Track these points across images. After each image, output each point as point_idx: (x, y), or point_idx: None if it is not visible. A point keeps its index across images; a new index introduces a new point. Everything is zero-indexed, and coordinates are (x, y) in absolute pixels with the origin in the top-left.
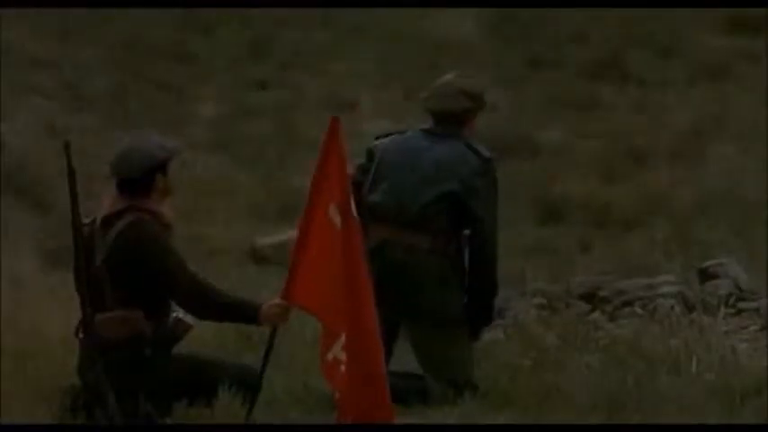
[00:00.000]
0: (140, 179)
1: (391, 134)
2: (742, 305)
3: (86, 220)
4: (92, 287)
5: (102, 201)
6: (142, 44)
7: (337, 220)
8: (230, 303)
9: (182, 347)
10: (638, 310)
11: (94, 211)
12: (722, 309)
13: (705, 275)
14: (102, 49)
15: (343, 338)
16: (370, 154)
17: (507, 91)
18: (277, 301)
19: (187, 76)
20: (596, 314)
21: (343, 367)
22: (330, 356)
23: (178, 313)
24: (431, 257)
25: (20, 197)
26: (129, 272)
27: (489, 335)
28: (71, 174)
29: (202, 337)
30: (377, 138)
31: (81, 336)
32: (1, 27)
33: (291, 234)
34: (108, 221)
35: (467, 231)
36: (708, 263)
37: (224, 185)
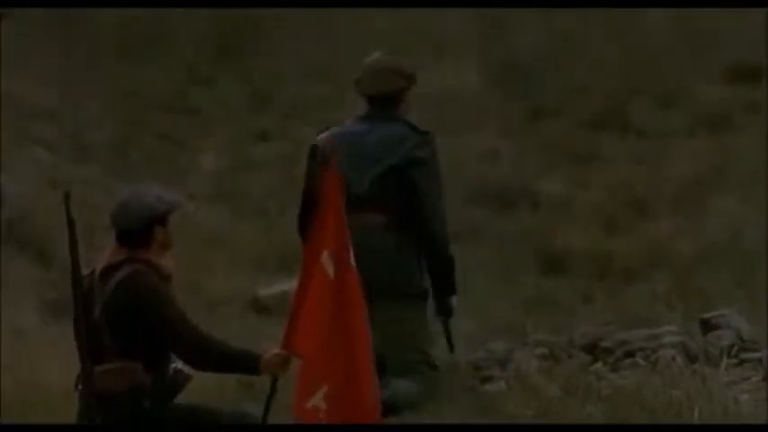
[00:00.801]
0: (139, 231)
1: (329, 128)
2: (744, 356)
3: (86, 272)
4: (91, 339)
5: (103, 252)
6: (144, 96)
7: (330, 268)
8: (230, 354)
9: (181, 398)
10: (641, 361)
11: (94, 263)
12: (724, 359)
13: (707, 326)
14: (103, 101)
15: (325, 389)
16: (313, 150)
17: (509, 142)
18: (277, 350)
19: (188, 127)
20: (598, 365)
21: (322, 416)
22: (310, 405)
23: (177, 364)
24: (387, 234)
25: (21, 248)
26: (128, 323)
27: (491, 386)
28: (71, 224)
29: (203, 387)
30: (318, 134)
31: (80, 387)
32: (2, 77)
33: (292, 284)
34: (107, 273)
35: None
36: (710, 314)
37: (225, 236)
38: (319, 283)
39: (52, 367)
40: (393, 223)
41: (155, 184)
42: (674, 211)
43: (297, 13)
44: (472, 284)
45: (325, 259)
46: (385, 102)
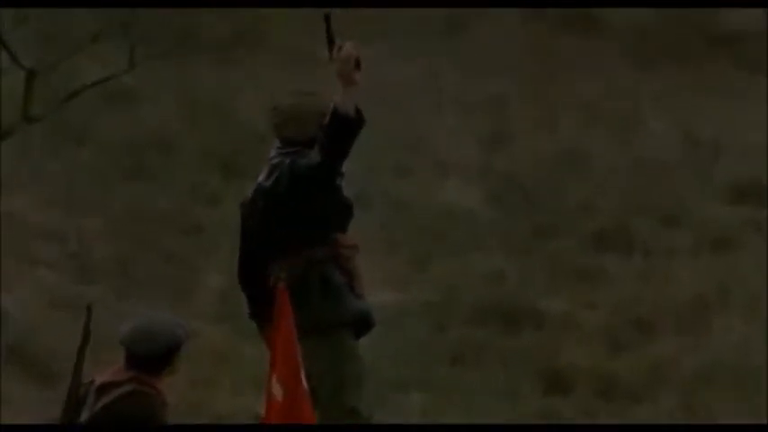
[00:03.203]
0: (160, 357)
1: None
2: None
3: (85, 381)
4: None
5: (107, 369)
6: (147, 215)
7: (279, 392)
8: None
9: None
10: None
11: (95, 375)
12: None
13: None
14: (106, 220)
15: None
16: (242, 207)
17: (512, 260)
18: None
19: (193, 246)
20: None
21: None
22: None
23: None
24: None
25: (24, 370)
26: None
27: None
28: (86, 335)
29: None
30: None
31: None
32: (2, 197)
33: None
34: (106, 386)
35: None
36: None
37: (229, 356)
38: (273, 409)
39: None
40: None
41: (162, 308)
42: (679, 329)
43: None
44: (476, 404)
45: (275, 385)
46: (300, 145)
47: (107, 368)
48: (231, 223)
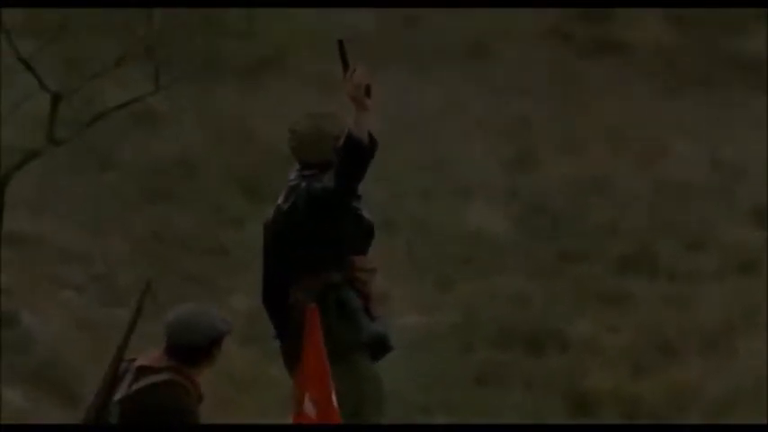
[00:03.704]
0: (198, 349)
1: None
2: None
3: (128, 358)
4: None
5: (148, 353)
6: (172, 237)
7: (312, 412)
8: None
9: None
10: None
11: (138, 356)
12: None
13: None
14: (132, 242)
15: None
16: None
17: (538, 284)
18: None
19: (218, 268)
20: None
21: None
22: None
23: None
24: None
25: (49, 391)
26: (149, 421)
27: None
28: (139, 309)
29: None
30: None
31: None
32: (30, 220)
33: None
34: (143, 370)
35: None
36: None
37: (256, 378)
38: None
39: None
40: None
41: (209, 305)
42: (703, 353)
43: None
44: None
45: (307, 404)
46: (317, 168)
47: (150, 351)
48: (255, 245)
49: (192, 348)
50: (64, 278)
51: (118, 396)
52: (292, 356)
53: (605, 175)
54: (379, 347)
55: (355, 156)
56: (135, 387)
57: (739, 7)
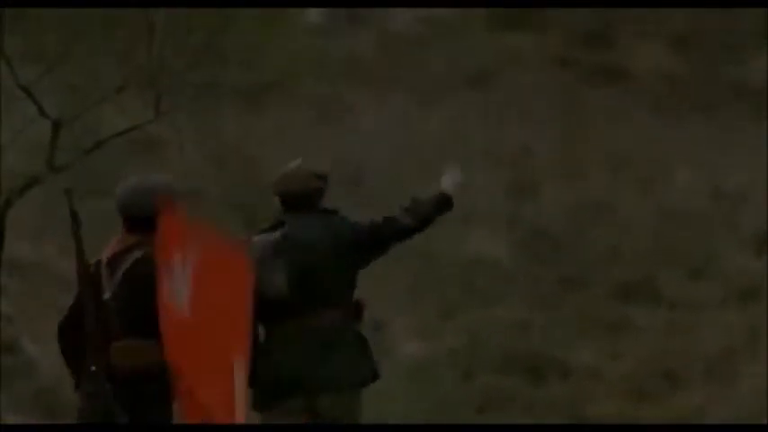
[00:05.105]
0: (152, 217)
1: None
2: None
3: (91, 262)
4: (99, 323)
5: (109, 244)
6: None
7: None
8: None
9: None
10: None
11: (100, 255)
12: None
13: None
14: None
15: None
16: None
17: (539, 311)
18: None
19: None
20: None
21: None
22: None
23: None
24: (346, 329)
25: (50, 418)
26: (142, 301)
27: None
28: (74, 216)
29: None
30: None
31: (93, 368)
32: (28, 246)
33: None
34: (116, 258)
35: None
36: None
37: None
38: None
39: None
40: (349, 318)
41: (155, 173)
42: (706, 380)
43: None
44: None
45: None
46: (301, 201)
47: (108, 244)
48: None
49: (143, 218)
50: (65, 305)
51: (108, 292)
52: None
53: (607, 201)
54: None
55: (442, 211)
56: (120, 273)
57: (740, 7)
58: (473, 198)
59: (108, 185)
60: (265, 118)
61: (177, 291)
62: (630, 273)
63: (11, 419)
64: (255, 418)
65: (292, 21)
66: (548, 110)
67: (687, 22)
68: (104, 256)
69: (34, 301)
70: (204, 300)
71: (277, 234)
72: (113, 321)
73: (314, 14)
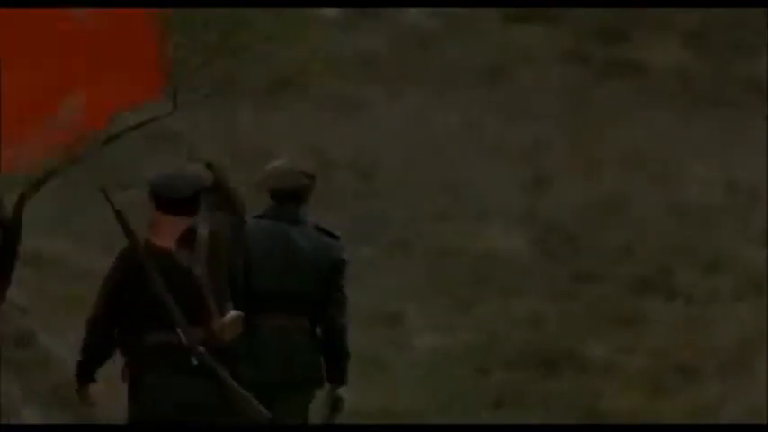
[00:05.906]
0: (191, 198)
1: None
2: None
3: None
4: (190, 300)
5: (152, 226)
6: None
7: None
8: None
9: None
10: None
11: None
12: None
13: None
14: None
15: None
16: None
17: (554, 305)
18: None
19: None
20: None
21: None
22: None
23: None
24: (303, 335)
25: (67, 411)
26: (227, 273)
27: None
28: (118, 213)
29: None
30: None
31: (201, 349)
32: (44, 239)
33: None
34: (186, 237)
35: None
36: None
37: None
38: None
39: None
40: (309, 325)
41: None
42: (722, 374)
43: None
44: None
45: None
46: (290, 198)
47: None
48: None
49: (182, 199)
50: (81, 297)
51: (199, 269)
52: None
53: (621, 196)
54: None
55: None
56: (202, 250)
57: (740, 7)
58: (488, 193)
59: (125, 178)
60: (281, 114)
61: None
62: (645, 267)
63: (26, 412)
64: None
65: (308, 17)
66: (562, 105)
67: (701, 18)
68: (159, 241)
69: (50, 294)
70: None
71: (272, 224)
72: (204, 300)
73: (329, 11)
